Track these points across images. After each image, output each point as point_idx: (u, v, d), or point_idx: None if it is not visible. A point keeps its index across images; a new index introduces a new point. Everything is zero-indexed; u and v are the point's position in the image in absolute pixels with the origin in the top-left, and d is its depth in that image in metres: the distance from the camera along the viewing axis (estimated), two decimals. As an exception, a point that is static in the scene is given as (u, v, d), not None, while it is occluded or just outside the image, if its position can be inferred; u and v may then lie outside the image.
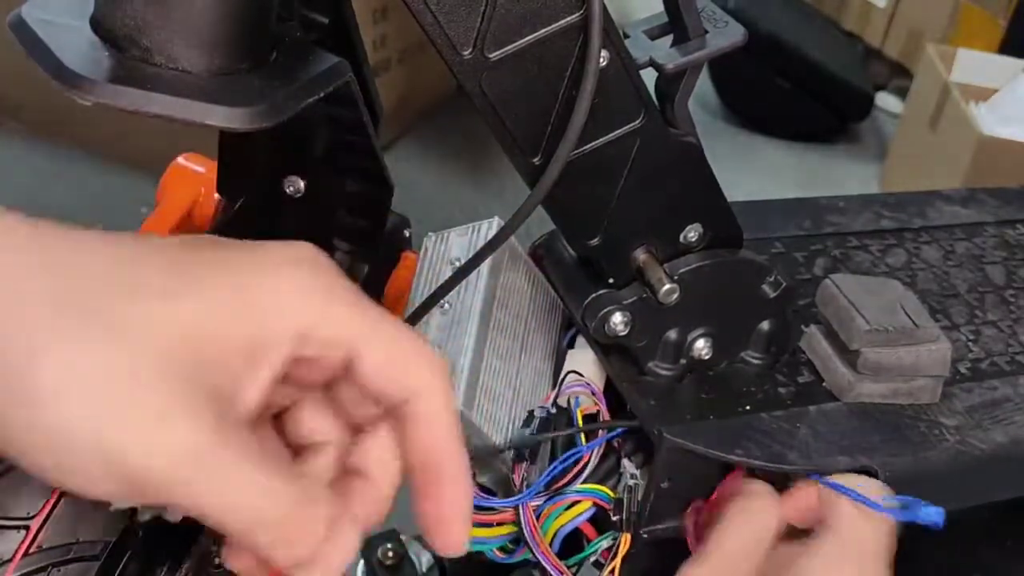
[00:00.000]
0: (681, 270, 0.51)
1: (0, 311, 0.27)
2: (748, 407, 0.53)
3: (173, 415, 0.28)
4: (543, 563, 0.51)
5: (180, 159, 0.63)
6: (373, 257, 0.59)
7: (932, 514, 0.49)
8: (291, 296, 0.32)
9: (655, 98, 0.48)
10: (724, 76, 2.66)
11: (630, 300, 0.51)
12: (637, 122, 0.46)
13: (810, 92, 2.58)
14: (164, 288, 0.30)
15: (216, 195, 0.61)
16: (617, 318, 0.51)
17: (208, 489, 0.29)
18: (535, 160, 0.45)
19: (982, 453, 0.54)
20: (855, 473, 0.51)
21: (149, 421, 0.28)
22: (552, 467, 0.51)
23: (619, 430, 0.52)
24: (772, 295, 0.54)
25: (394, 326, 0.34)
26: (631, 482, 0.51)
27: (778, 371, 0.56)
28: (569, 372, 0.53)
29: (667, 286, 0.50)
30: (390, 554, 0.83)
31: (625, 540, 0.51)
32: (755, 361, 0.56)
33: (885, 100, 2.87)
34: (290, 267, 0.33)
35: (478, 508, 0.51)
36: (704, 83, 2.90)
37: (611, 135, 0.46)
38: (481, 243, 0.52)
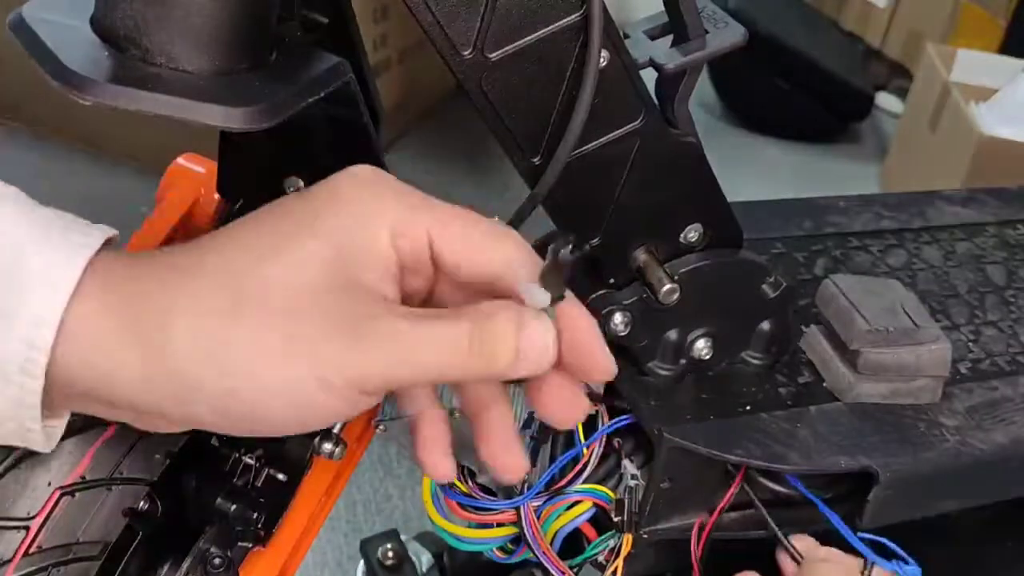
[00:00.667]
0: (681, 270, 0.51)
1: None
2: (748, 407, 0.53)
3: (353, 335, 0.33)
4: (544, 563, 0.51)
5: (180, 159, 0.63)
6: None
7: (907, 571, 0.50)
8: (371, 203, 0.36)
9: (655, 98, 0.48)
10: (724, 76, 2.66)
11: (630, 300, 0.51)
12: (637, 122, 0.46)
13: (810, 92, 2.58)
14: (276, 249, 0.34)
15: (216, 195, 0.61)
16: (618, 318, 0.51)
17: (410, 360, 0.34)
18: (535, 160, 0.45)
19: (982, 453, 0.54)
20: (856, 473, 0.51)
21: (341, 350, 0.33)
22: (552, 467, 0.51)
23: (617, 422, 0.52)
24: (772, 295, 0.54)
25: (465, 211, 0.37)
26: (631, 483, 0.51)
27: (778, 371, 0.56)
28: None
29: (667, 286, 0.50)
30: (390, 554, 0.83)
31: (627, 540, 0.51)
32: (755, 361, 0.56)
33: (885, 100, 2.86)
34: (358, 182, 0.37)
35: (478, 509, 0.52)
36: (704, 83, 2.90)
37: (611, 135, 0.46)
38: None
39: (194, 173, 0.62)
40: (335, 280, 0.34)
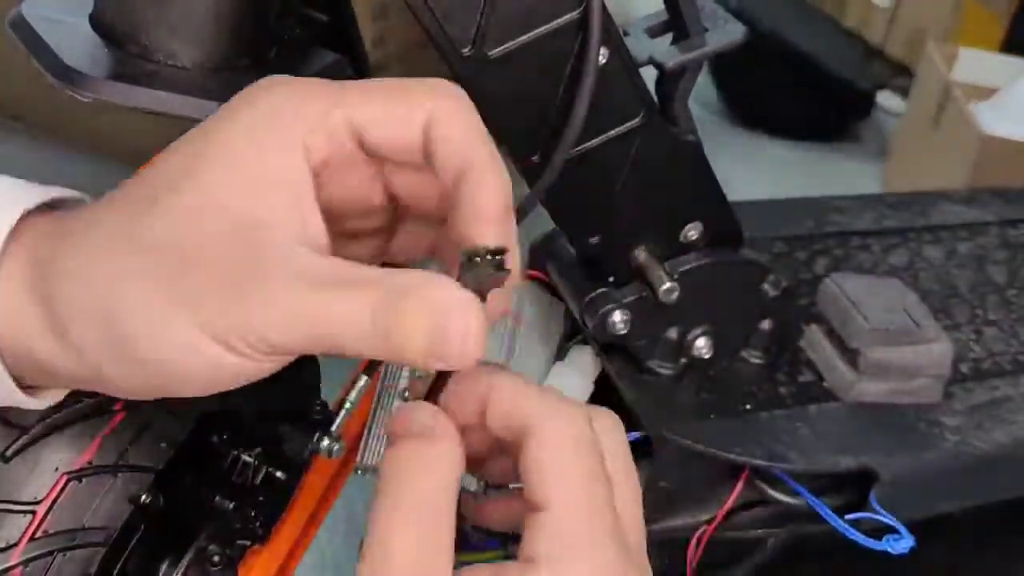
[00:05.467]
0: (681, 269, 0.51)
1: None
2: (748, 406, 0.53)
3: (238, 292, 0.29)
4: None
5: None
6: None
7: (900, 546, 0.49)
8: (268, 120, 0.31)
9: (656, 97, 0.48)
10: (725, 75, 2.65)
11: (630, 299, 0.51)
12: (636, 120, 0.46)
13: (811, 91, 2.57)
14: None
15: None
16: (617, 316, 0.51)
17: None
18: (534, 158, 0.45)
19: (983, 453, 0.54)
20: (856, 472, 0.51)
21: (226, 307, 0.29)
22: None
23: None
24: (773, 294, 0.54)
25: (395, 81, 0.33)
26: None
27: (779, 370, 0.56)
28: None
29: (667, 284, 0.50)
30: None
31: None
32: (755, 360, 0.56)
33: (886, 99, 2.86)
34: (267, 88, 0.32)
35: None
36: (705, 82, 2.89)
37: (610, 134, 0.46)
38: None
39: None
40: (224, 225, 0.29)
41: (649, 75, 0.47)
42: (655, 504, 0.52)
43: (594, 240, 0.49)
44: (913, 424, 0.55)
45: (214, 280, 0.29)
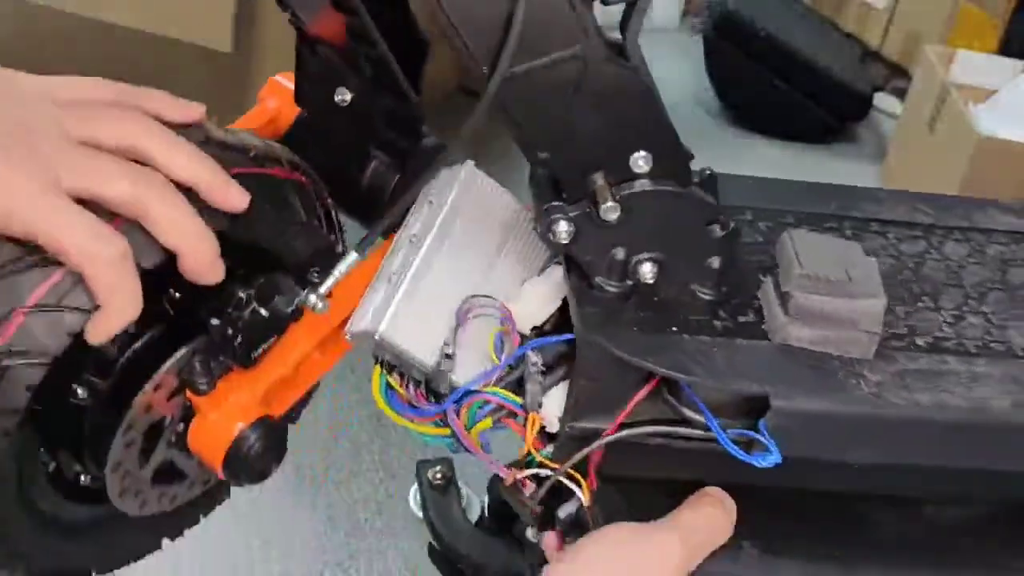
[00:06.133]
0: (624, 192, 0.55)
1: None
2: (675, 328, 0.57)
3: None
4: (477, 457, 0.57)
5: (278, 76, 0.73)
6: (404, 171, 0.66)
7: (764, 460, 0.52)
8: None
9: (620, 31, 0.52)
10: (723, 77, 2.67)
11: (575, 213, 0.56)
12: (575, 48, 0.50)
13: (809, 93, 2.58)
14: None
15: (297, 107, 0.70)
16: (562, 226, 0.56)
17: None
18: (484, 70, 0.50)
19: (898, 412, 0.54)
20: (747, 398, 0.54)
21: None
22: (479, 378, 0.57)
23: (543, 340, 0.57)
24: (719, 235, 0.57)
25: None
26: (532, 369, 0.56)
27: (724, 308, 0.59)
28: (479, 296, 0.58)
29: (608, 203, 0.54)
30: (439, 476, 0.87)
31: (532, 419, 0.56)
32: (703, 295, 0.59)
33: (884, 101, 2.87)
34: None
35: (417, 412, 0.58)
36: (703, 84, 2.91)
37: (551, 57, 0.51)
38: (456, 182, 0.60)
39: (284, 87, 0.72)
40: None
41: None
42: (576, 402, 0.56)
43: (543, 155, 0.54)
44: (832, 371, 0.56)
45: None
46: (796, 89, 2.58)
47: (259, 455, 0.57)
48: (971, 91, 2.22)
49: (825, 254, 0.57)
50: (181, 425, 0.58)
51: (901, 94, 2.68)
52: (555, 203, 0.56)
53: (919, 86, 2.44)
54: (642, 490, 0.58)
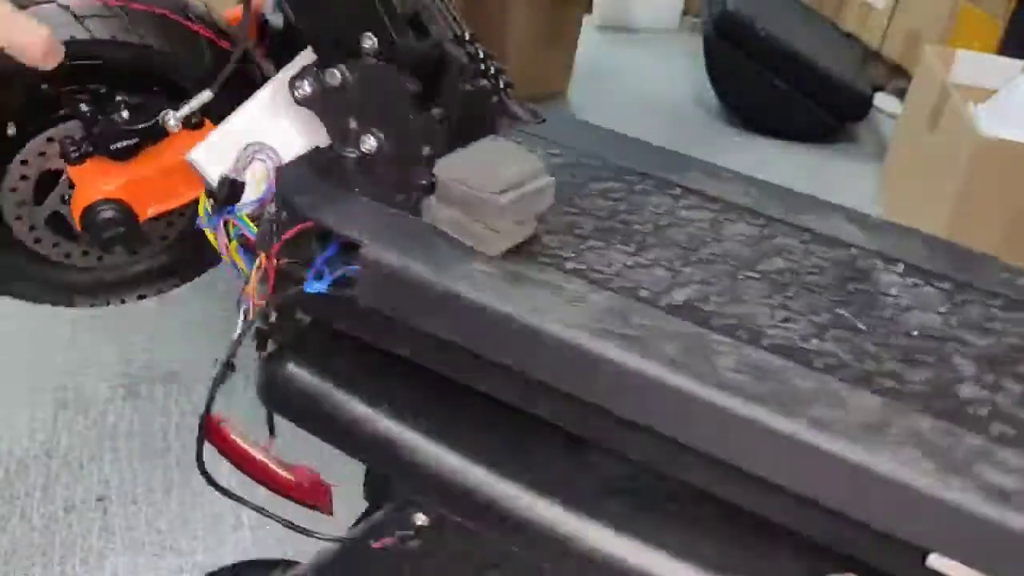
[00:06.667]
0: (346, 63, 0.65)
1: None
2: (357, 190, 0.66)
3: None
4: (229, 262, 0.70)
5: None
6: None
7: (314, 287, 0.60)
8: None
9: None
10: (723, 77, 2.65)
11: (312, 75, 0.66)
12: None
13: (809, 93, 2.54)
14: None
15: None
16: (304, 85, 0.67)
17: None
18: None
19: (490, 307, 0.57)
20: (357, 248, 0.61)
21: None
22: (235, 208, 0.69)
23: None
24: (419, 122, 0.64)
25: None
26: (268, 215, 0.66)
27: (424, 192, 0.64)
28: (266, 144, 0.70)
29: (330, 69, 0.65)
30: None
31: (262, 259, 0.66)
32: (420, 181, 0.64)
33: (884, 101, 2.85)
34: None
35: (208, 224, 0.70)
36: (703, 83, 2.91)
37: None
38: (298, 61, 0.70)
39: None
40: None
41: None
42: (279, 231, 0.65)
43: (303, 23, 0.66)
44: (449, 250, 0.61)
45: None
46: (796, 89, 2.56)
47: (106, 223, 0.76)
48: (971, 91, 2.21)
49: (492, 158, 0.61)
50: (71, 191, 0.78)
51: (901, 94, 2.66)
52: (309, 66, 0.66)
53: (919, 86, 2.42)
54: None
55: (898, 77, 2.83)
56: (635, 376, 0.54)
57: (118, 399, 1.46)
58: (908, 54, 2.77)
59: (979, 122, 2.10)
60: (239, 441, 0.74)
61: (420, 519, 0.69)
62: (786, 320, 0.60)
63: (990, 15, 2.58)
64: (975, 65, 2.33)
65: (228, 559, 1.21)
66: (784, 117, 2.65)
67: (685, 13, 3.42)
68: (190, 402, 1.47)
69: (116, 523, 1.26)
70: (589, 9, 3.35)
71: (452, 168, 0.61)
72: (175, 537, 1.25)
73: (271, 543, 1.26)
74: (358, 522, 0.81)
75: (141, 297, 0.93)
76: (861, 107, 2.69)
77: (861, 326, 0.60)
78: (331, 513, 0.77)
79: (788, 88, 2.59)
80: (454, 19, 0.71)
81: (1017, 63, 2.32)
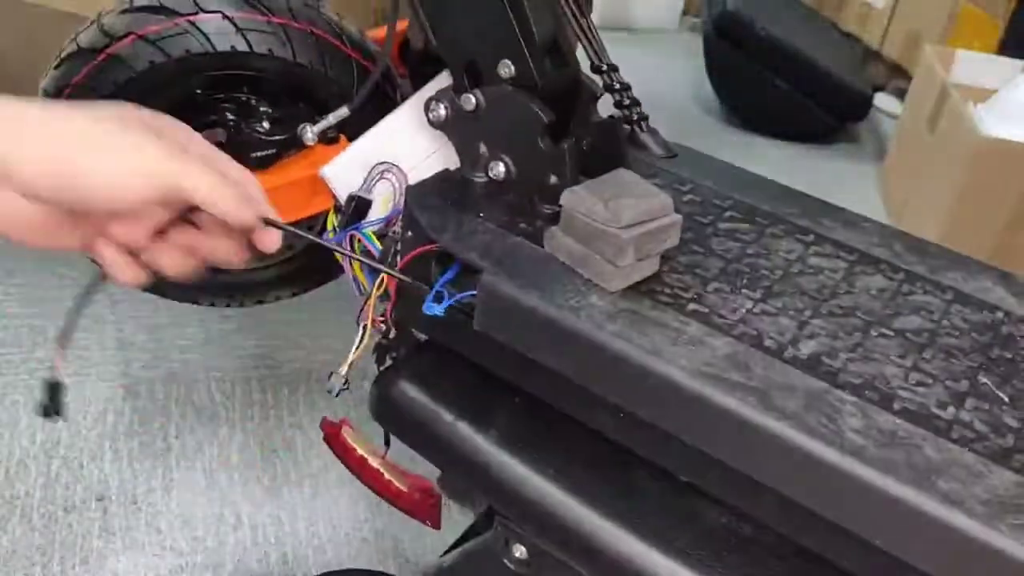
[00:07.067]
0: (483, 89, 0.65)
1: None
2: (482, 215, 0.66)
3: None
4: (353, 266, 0.71)
5: None
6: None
7: (434, 310, 0.60)
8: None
9: None
10: (723, 77, 2.66)
11: (448, 99, 0.67)
12: None
13: (809, 93, 2.53)
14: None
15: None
16: (441, 109, 0.68)
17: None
18: None
19: (597, 332, 0.57)
20: (476, 272, 0.61)
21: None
22: (359, 225, 0.71)
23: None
24: (545, 150, 0.64)
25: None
26: (392, 234, 0.68)
27: (545, 224, 0.65)
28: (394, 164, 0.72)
29: (466, 94, 0.66)
30: None
31: (384, 276, 0.67)
32: (543, 209, 0.66)
33: (884, 101, 2.88)
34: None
35: (336, 239, 0.71)
36: (703, 83, 2.91)
37: None
38: (432, 84, 0.72)
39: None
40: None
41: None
42: (403, 247, 0.67)
43: (440, 48, 0.66)
44: (570, 283, 0.60)
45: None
46: (796, 89, 2.56)
47: None
48: (971, 91, 2.23)
49: (623, 191, 0.60)
50: None
51: (901, 94, 2.66)
52: (443, 88, 0.67)
53: (919, 86, 2.44)
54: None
55: (898, 77, 2.84)
56: (751, 429, 0.52)
57: (118, 399, 1.45)
58: (908, 54, 2.78)
59: (979, 122, 2.11)
60: (355, 446, 0.74)
61: (519, 551, 0.68)
62: (920, 384, 0.57)
63: (990, 15, 2.59)
64: (975, 65, 2.34)
65: (228, 559, 1.21)
66: (784, 117, 2.65)
67: (685, 13, 3.42)
68: (190, 402, 1.47)
69: (116, 523, 1.26)
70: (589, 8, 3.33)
71: (577, 200, 0.60)
72: (175, 537, 1.24)
73: (271, 543, 1.27)
74: (456, 544, 0.81)
75: (259, 302, 0.95)
76: (861, 107, 2.70)
77: (1003, 396, 0.57)
78: (438, 527, 0.76)
79: (788, 88, 2.59)
80: (594, 47, 0.69)
81: (1017, 63, 2.33)
